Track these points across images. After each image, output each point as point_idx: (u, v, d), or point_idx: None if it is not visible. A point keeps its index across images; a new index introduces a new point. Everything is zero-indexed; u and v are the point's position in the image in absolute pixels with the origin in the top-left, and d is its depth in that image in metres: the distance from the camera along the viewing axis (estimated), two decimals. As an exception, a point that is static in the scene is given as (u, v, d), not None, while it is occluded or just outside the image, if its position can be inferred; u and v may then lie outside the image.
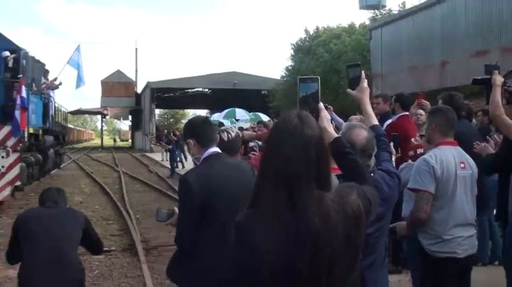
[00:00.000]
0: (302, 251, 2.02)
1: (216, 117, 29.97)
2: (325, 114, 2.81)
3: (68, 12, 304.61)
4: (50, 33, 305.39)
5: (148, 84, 55.05)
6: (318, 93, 2.81)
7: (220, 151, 3.93)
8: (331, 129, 2.81)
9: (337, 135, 2.83)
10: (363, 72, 3.21)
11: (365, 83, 3.19)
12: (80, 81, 22.14)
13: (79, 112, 76.27)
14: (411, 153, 6.05)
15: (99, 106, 66.13)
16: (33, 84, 17.46)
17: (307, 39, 42.58)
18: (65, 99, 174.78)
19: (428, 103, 6.87)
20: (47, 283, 4.51)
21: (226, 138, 4.16)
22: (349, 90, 3.24)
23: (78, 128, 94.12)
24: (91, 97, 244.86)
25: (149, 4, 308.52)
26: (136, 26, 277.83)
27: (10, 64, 15.99)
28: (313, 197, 2.07)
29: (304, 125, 2.11)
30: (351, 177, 2.61)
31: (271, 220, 2.06)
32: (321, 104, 2.79)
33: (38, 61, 18.68)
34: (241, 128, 13.12)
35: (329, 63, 36.46)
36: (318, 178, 2.11)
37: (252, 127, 14.94)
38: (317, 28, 42.70)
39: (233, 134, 4.23)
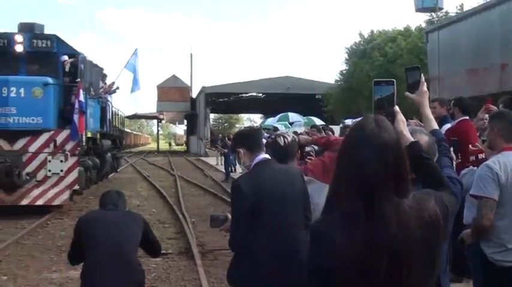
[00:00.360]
0: (378, 255, 2.02)
1: (270, 121, 29.93)
2: (402, 118, 2.74)
3: (126, 18, 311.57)
4: (108, 39, 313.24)
5: (203, 89, 55.54)
6: (394, 96, 2.75)
7: (269, 157, 4.03)
8: (407, 133, 2.73)
9: (413, 139, 2.74)
10: (422, 75, 3.10)
11: (424, 87, 3.09)
12: (135, 85, 22.38)
13: (136, 117, 77.63)
14: (472, 158, 5.80)
15: (155, 111, 67.17)
16: (91, 89, 17.80)
17: (362, 42, 42.08)
18: (122, 104, 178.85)
19: (495, 108, 6.58)
20: (109, 285, 4.58)
21: (282, 143, 4.19)
22: (408, 93, 3.13)
23: (135, 133, 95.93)
24: (147, 102, 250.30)
25: (203, 11, 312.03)
26: (191, 32, 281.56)
27: (67, 68, 16.36)
28: (391, 203, 2.07)
29: (381, 129, 2.10)
30: (428, 182, 2.53)
31: (347, 224, 2.07)
32: (397, 107, 2.72)
33: (96, 65, 18.99)
34: (295, 133, 12.99)
35: (384, 67, 35.89)
36: (396, 183, 2.09)
37: (306, 132, 14.79)
38: (372, 32, 42.15)
39: (289, 139, 4.24)
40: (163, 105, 61.91)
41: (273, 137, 4.61)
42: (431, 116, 3.27)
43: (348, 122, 17.32)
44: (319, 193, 4.24)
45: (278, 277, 3.78)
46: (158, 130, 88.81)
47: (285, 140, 4.22)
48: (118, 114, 26.14)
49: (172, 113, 69.85)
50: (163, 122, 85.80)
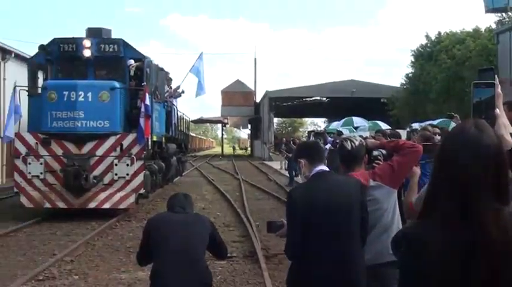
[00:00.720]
0: (474, 262, 1.97)
1: (334, 125, 29.36)
2: (504, 121, 2.58)
3: (191, 24, 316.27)
4: (173, 45, 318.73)
5: (266, 93, 55.41)
6: (494, 98, 2.58)
7: (327, 169, 4.12)
8: (508, 137, 2.55)
9: None
10: (496, 77, 2.72)
11: (499, 89, 2.76)
12: (200, 89, 22.17)
13: (201, 121, 78.33)
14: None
15: (219, 115, 67.59)
16: (157, 92, 17.74)
17: (429, 45, 40.76)
18: (187, 108, 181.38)
19: None
20: (178, 286, 4.62)
21: (349, 147, 4.17)
22: None
23: (199, 137, 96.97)
24: (212, 107, 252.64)
25: (267, 17, 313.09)
26: (255, 37, 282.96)
27: (132, 72, 16.33)
28: (490, 209, 2.00)
29: (482, 133, 2.03)
30: None
31: (443, 230, 2.01)
32: (497, 111, 2.55)
33: (162, 69, 18.92)
34: (360, 137, 12.38)
35: (452, 70, 34.61)
36: (496, 188, 2.01)
37: (371, 136, 14.23)
38: (439, 33, 40.73)
39: (357, 143, 4.21)
40: (227, 109, 62.22)
41: (339, 141, 4.80)
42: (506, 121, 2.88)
43: (416, 126, 16.57)
44: (387, 198, 4.28)
45: (330, 284, 3.89)
46: (222, 134, 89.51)
47: (352, 144, 4.19)
48: (183, 119, 26.13)
49: (237, 118, 70.08)
50: (227, 126, 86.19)
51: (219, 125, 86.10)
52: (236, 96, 60.96)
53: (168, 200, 5.14)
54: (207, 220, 5.02)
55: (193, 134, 72.96)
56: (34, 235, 12.85)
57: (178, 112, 23.28)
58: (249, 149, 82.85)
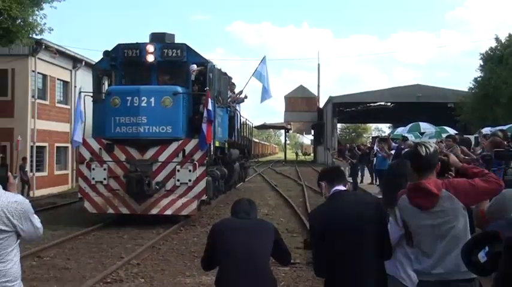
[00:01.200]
0: None
1: (400, 131, 28.43)
2: None
3: (255, 31, 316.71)
4: (237, 52, 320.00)
5: (330, 99, 54.50)
6: None
7: (343, 189, 4.26)
8: None
9: None
10: None
11: None
12: (265, 93, 21.47)
13: (264, 127, 78.09)
14: None
15: (282, 121, 67.06)
16: (220, 97, 17.32)
17: (499, 48, 38.80)
18: (250, 114, 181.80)
19: None
20: None
21: (423, 153, 3.95)
22: None
23: (262, 142, 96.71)
24: (274, 112, 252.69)
25: (331, 22, 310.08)
26: (319, 42, 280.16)
27: (192, 77, 15.94)
28: None
29: None
30: None
31: None
32: None
33: (225, 74, 18.49)
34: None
35: (524, 73, 32.70)
36: None
37: (440, 141, 13.43)
38: (510, 36, 38.71)
39: (431, 149, 4.00)
40: (291, 115, 61.65)
41: (412, 146, 4.55)
42: None
43: (487, 131, 15.51)
44: (458, 211, 3.94)
45: None
46: (286, 140, 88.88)
47: (427, 150, 3.98)
48: (246, 124, 25.66)
49: (300, 123, 69.38)
50: (290, 132, 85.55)
51: (282, 131, 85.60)
52: (299, 102, 60.28)
53: (233, 205, 5.01)
54: (271, 226, 4.86)
55: (257, 140, 72.69)
56: (102, 238, 13.07)
57: (242, 117, 22.80)
58: (312, 154, 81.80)
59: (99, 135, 15.52)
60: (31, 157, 26.16)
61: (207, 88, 15.44)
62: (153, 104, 14.87)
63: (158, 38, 16.27)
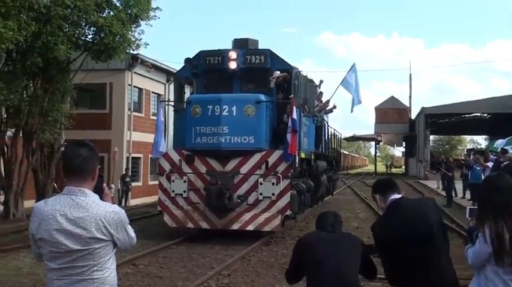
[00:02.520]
0: None
1: (499, 143, 26.05)
2: None
3: (344, 42, 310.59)
4: (326, 64, 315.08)
5: (422, 110, 51.58)
6: None
7: (399, 196, 4.19)
8: None
9: None
10: None
11: None
12: (355, 102, 19.55)
13: (353, 138, 75.74)
14: None
15: (372, 132, 64.47)
16: (306, 106, 15.77)
17: None
18: (338, 124, 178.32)
19: None
20: None
21: None
22: None
23: (352, 154, 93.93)
24: (364, 124, 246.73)
25: (422, 32, 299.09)
26: (410, 53, 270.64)
27: (272, 84, 14.48)
28: None
29: None
30: None
31: None
32: None
33: (311, 81, 16.86)
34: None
35: None
36: None
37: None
38: None
39: None
40: (381, 126, 59.02)
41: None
42: None
43: None
44: None
45: None
46: (376, 152, 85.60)
47: None
48: (335, 135, 23.92)
49: (391, 135, 66.38)
50: (381, 143, 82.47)
51: (372, 143, 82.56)
52: (390, 113, 57.49)
53: (318, 218, 4.80)
54: (358, 240, 4.65)
55: (346, 152, 70.46)
56: (194, 248, 12.86)
57: (329, 128, 21.10)
58: (403, 167, 78.18)
59: (179, 146, 14.48)
60: (126, 167, 26.33)
61: (292, 96, 13.98)
62: (234, 113, 13.63)
63: (241, 44, 15.03)
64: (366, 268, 4.57)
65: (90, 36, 19.57)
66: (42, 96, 19.20)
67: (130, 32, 19.23)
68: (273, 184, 13.56)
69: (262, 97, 13.94)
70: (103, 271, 3.21)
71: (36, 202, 20.09)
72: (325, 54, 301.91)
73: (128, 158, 27.20)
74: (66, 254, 3.14)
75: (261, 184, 13.61)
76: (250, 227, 13.61)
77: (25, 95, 19.02)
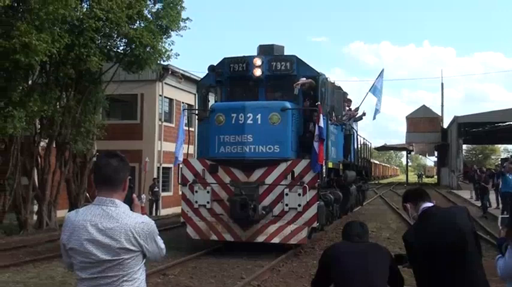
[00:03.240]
0: None
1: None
2: None
3: (374, 52, 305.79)
4: (355, 73, 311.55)
5: (455, 118, 50.07)
6: None
7: (431, 204, 4.01)
8: None
9: None
10: None
11: None
12: (378, 110, 18.50)
13: (384, 148, 74.15)
14: None
15: (404, 142, 62.91)
16: (333, 114, 14.95)
17: None
18: (368, 134, 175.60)
19: None
20: None
21: None
22: None
23: (383, 164, 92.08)
24: (395, 133, 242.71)
25: (454, 40, 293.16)
26: (441, 61, 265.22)
27: (296, 91, 13.68)
28: None
29: None
30: None
31: None
32: None
33: (339, 88, 15.99)
34: None
35: None
36: None
37: None
38: None
39: None
40: (412, 136, 57.44)
41: None
42: None
43: None
44: None
45: None
46: (407, 162, 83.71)
47: None
48: (365, 144, 22.96)
49: (422, 144, 64.74)
50: (412, 153, 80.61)
51: (404, 152, 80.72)
52: (422, 122, 55.88)
53: (344, 228, 4.64)
54: (386, 251, 4.49)
55: (377, 162, 68.93)
56: (223, 258, 12.53)
57: (359, 137, 20.18)
58: (436, 177, 76.15)
59: (203, 155, 13.84)
60: (157, 177, 26.09)
61: (318, 103, 13.21)
62: (259, 121, 12.92)
63: (266, 50, 14.30)
64: (393, 279, 4.40)
65: (121, 48, 19.71)
66: (75, 107, 19.33)
67: (160, 43, 19.18)
68: (299, 194, 12.79)
69: (288, 104, 13.21)
70: (132, 282, 3.16)
71: (68, 211, 20.35)
72: (355, 63, 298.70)
73: (158, 168, 26.92)
74: (96, 264, 3.11)
75: (286, 194, 12.85)
76: (275, 240, 12.85)
77: (58, 106, 19.14)
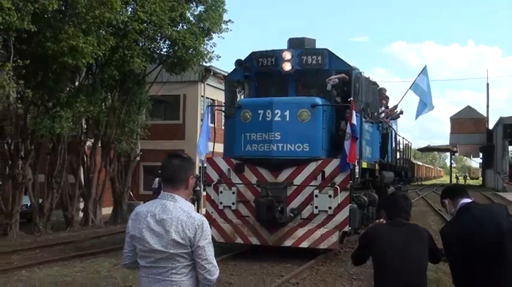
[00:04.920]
0: None
1: None
2: None
3: (417, 52, 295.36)
4: (398, 73, 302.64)
5: (500, 119, 47.49)
6: None
7: (470, 201, 3.88)
8: None
9: None
10: None
11: None
12: (422, 107, 16.82)
13: (428, 149, 71.40)
14: None
15: (447, 143, 60.16)
16: (368, 111, 13.48)
17: None
18: (411, 135, 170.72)
19: None
20: None
21: None
22: None
23: (426, 165, 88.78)
24: (439, 134, 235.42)
25: (499, 40, 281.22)
26: (487, 61, 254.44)
27: (328, 87, 12.29)
28: None
29: None
30: None
31: None
32: None
33: (374, 83, 14.43)
34: None
35: None
36: None
37: None
38: None
39: None
40: (457, 137, 54.92)
41: None
42: None
43: None
44: None
45: None
46: (451, 163, 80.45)
47: None
48: (406, 144, 21.31)
49: (467, 146, 61.87)
50: (456, 154, 77.38)
51: (448, 154, 77.58)
52: (466, 123, 53.20)
53: (388, 205, 4.42)
54: (426, 235, 4.20)
55: (420, 163, 66.32)
56: (263, 256, 11.89)
57: (398, 136, 18.59)
58: (481, 178, 72.75)
59: (229, 154, 12.71)
60: (199, 176, 25.53)
61: (351, 99, 11.84)
62: (287, 118, 11.68)
63: (296, 44, 12.98)
64: (431, 256, 4.24)
65: (164, 50, 19.80)
66: (120, 107, 19.55)
67: (202, 45, 19.12)
68: (329, 196, 11.49)
69: (319, 101, 11.91)
70: (181, 275, 3.20)
71: (113, 209, 19.74)
72: (397, 63, 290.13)
73: (200, 167, 26.25)
74: (150, 253, 3.22)
75: (316, 196, 11.58)
76: (304, 244, 11.60)
77: (104, 107, 19.28)
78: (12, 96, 14.89)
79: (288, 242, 11.68)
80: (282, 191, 11.65)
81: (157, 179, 21.24)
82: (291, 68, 12.57)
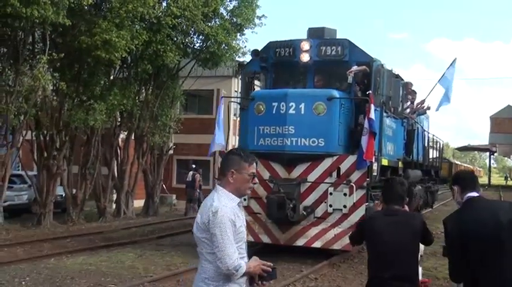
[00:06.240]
0: None
1: None
2: None
3: (457, 49, 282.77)
4: (438, 70, 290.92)
5: (542, 119, 44.56)
6: None
7: (477, 195, 3.76)
8: None
9: None
10: None
11: None
12: (444, 99, 15.49)
13: (466, 149, 68.50)
14: None
15: (486, 143, 57.41)
16: (389, 105, 12.31)
17: None
18: (450, 133, 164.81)
19: None
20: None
21: None
22: None
23: (464, 165, 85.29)
24: (478, 133, 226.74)
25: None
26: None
27: (350, 79, 11.20)
28: None
29: None
30: None
31: None
32: None
33: (397, 76, 13.16)
34: None
35: None
36: None
37: None
38: None
39: None
40: (496, 136, 52.19)
41: None
42: None
43: None
44: None
45: None
46: (490, 163, 77.03)
47: None
48: (437, 142, 19.88)
49: (507, 145, 58.76)
50: (496, 154, 73.95)
51: (488, 153, 74.25)
52: (506, 122, 50.48)
53: (384, 191, 4.43)
54: (418, 222, 4.17)
55: (458, 162, 63.58)
56: (284, 251, 11.30)
57: (427, 133, 17.24)
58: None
59: (244, 147, 11.82)
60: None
61: (370, 92, 10.75)
62: (302, 112, 10.75)
63: (316, 34, 11.95)
64: (424, 241, 4.29)
65: (197, 45, 19.41)
66: (153, 101, 19.43)
67: (234, 41, 18.80)
68: (345, 194, 10.50)
69: (336, 93, 10.90)
70: (207, 262, 3.30)
71: (145, 201, 19.75)
72: (436, 60, 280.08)
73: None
74: (194, 238, 3.40)
75: (331, 194, 10.61)
76: (317, 244, 10.68)
77: (137, 100, 19.04)
78: (48, 88, 14.75)
79: (300, 242, 10.78)
80: (294, 187, 10.73)
81: (191, 173, 20.81)
82: (309, 58, 11.58)
